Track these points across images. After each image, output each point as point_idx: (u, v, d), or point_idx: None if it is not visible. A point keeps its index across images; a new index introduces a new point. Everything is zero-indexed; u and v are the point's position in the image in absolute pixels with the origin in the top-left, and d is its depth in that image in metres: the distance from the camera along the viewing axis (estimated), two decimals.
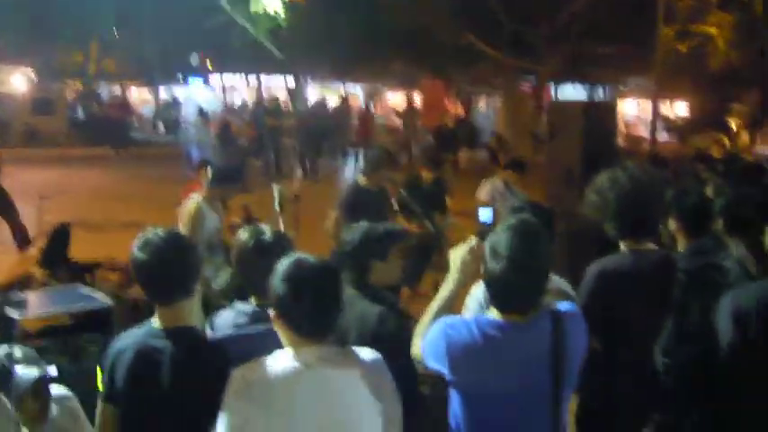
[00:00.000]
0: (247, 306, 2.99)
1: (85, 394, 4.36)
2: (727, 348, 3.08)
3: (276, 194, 5.27)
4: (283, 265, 2.45)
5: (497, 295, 2.57)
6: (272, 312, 2.45)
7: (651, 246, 3.41)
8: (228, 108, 19.45)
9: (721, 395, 3.19)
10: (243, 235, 3.10)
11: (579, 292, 3.35)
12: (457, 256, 2.82)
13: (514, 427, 2.58)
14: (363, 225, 3.41)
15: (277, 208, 5.27)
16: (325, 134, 21.17)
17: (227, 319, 3.02)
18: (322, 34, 21.41)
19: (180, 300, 2.72)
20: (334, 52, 24.57)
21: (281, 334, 2.47)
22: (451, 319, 2.65)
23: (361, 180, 6.45)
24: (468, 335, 2.54)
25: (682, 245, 3.84)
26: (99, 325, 4.67)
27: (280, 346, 2.50)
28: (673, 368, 3.67)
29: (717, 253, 3.77)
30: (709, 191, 4.75)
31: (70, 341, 4.52)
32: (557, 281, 3.41)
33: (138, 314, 5.97)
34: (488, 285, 2.59)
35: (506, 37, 20.09)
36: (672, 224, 3.85)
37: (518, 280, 2.50)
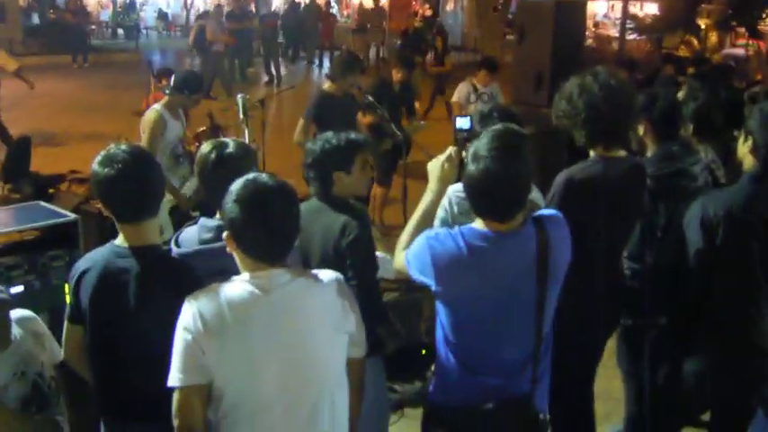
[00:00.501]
0: (212, 221, 2.92)
1: (53, 311, 4.37)
2: (695, 255, 3.11)
3: (240, 103, 5.14)
4: (236, 185, 2.34)
5: (477, 201, 2.55)
6: (225, 235, 2.37)
7: (621, 152, 3.38)
8: (202, 13, 18.70)
9: (687, 301, 3.23)
10: (204, 147, 3.00)
11: (549, 199, 3.33)
12: (435, 165, 2.79)
13: (499, 333, 2.61)
14: (325, 135, 3.31)
15: (241, 116, 5.15)
16: (293, 38, 20.71)
17: (193, 235, 2.96)
18: None
19: (145, 218, 2.65)
20: None
21: (236, 257, 2.39)
22: (436, 231, 2.63)
23: (328, 86, 6.31)
24: (454, 246, 2.52)
25: (651, 150, 3.81)
26: (64, 240, 4.58)
27: None
28: (640, 273, 3.70)
29: (685, 158, 3.75)
30: (681, 94, 4.70)
31: (36, 258, 4.44)
32: None
33: (104, 228, 5.91)
34: (468, 190, 2.55)
35: None
36: (641, 129, 3.81)
37: (497, 183, 2.47)
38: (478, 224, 2.58)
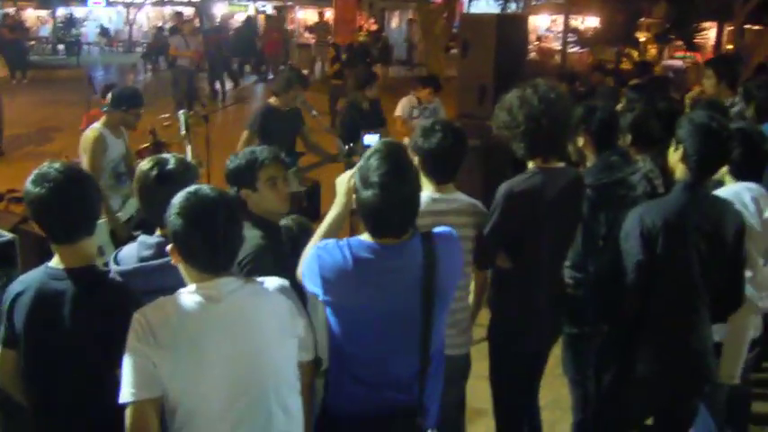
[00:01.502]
0: (151, 238, 2.88)
1: None
2: (636, 265, 3.16)
3: (182, 119, 5.07)
4: (178, 198, 2.35)
5: (370, 222, 2.56)
6: (169, 248, 2.38)
7: (559, 163, 3.43)
8: (172, 27, 18.33)
9: (628, 309, 3.28)
10: (144, 164, 2.96)
11: (490, 211, 3.35)
12: (342, 180, 2.80)
13: (385, 346, 2.61)
14: (237, 152, 3.33)
15: (183, 132, 5.08)
16: (234, 53, 20.60)
17: (132, 252, 2.91)
18: None
19: (80, 238, 2.58)
20: None
21: (182, 269, 2.41)
22: (325, 242, 2.63)
23: (273, 101, 6.30)
24: (340, 256, 2.54)
25: (590, 160, 3.87)
26: (1, 261, 4.46)
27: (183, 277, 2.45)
28: (583, 282, 3.75)
29: (624, 168, 3.82)
30: (620, 106, 4.79)
31: None
32: (469, 200, 3.42)
33: (43, 249, 5.77)
34: (362, 213, 2.57)
35: None
36: (580, 140, 3.88)
37: (389, 207, 2.50)
38: (366, 236, 2.60)
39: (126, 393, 2.26)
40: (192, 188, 2.38)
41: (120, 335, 2.31)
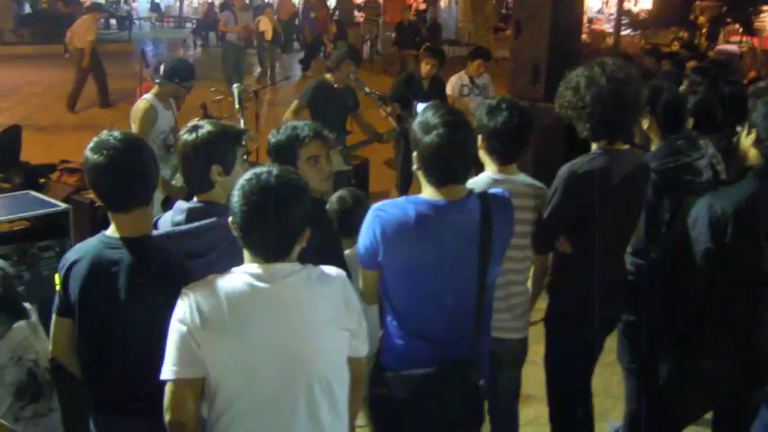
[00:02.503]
0: (185, 204, 2.84)
1: (43, 302, 4.28)
2: (704, 254, 3.05)
3: (236, 93, 5.05)
4: (243, 178, 2.29)
5: (433, 168, 2.64)
6: (230, 220, 2.31)
7: (624, 146, 3.32)
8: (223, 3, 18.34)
9: (692, 298, 3.18)
10: (182, 131, 2.92)
11: (551, 192, 3.26)
12: None
13: (441, 301, 2.69)
14: (282, 127, 3.16)
15: (237, 106, 5.06)
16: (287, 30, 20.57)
17: (168, 218, 2.89)
18: None
19: (137, 207, 2.55)
20: None
21: (244, 251, 2.35)
22: (382, 203, 2.70)
23: (328, 76, 6.25)
24: (401, 212, 2.62)
25: (655, 144, 3.75)
26: (54, 231, 4.50)
27: (213, 242, 2.54)
28: (643, 268, 3.64)
29: (690, 153, 3.69)
30: (682, 89, 4.64)
31: (25, 249, 4.36)
32: (532, 182, 3.33)
33: (96, 218, 5.83)
34: (424, 161, 2.65)
35: None
36: (645, 122, 3.75)
37: (452, 147, 2.59)
38: (426, 193, 2.69)
39: (167, 370, 2.23)
40: (259, 170, 2.30)
41: (168, 307, 2.30)
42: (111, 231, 2.57)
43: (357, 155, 6.95)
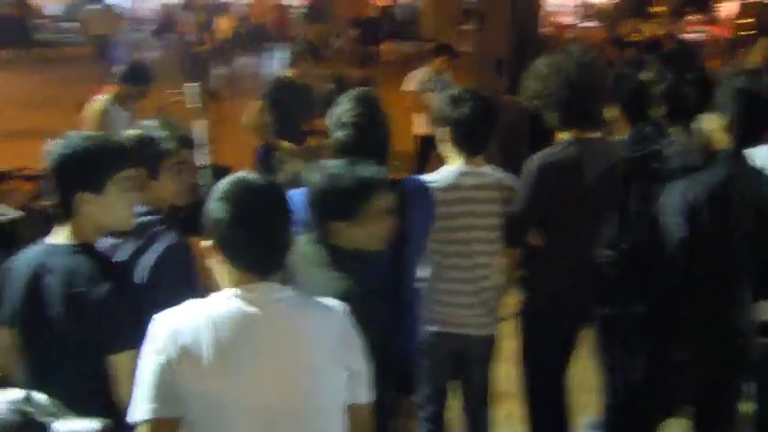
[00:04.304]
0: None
1: None
2: (678, 242, 2.97)
3: (193, 92, 4.93)
4: (222, 183, 2.04)
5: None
6: (206, 244, 2.04)
7: (596, 134, 3.24)
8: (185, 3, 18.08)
9: (666, 287, 3.10)
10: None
11: (521, 184, 3.17)
12: None
13: None
14: (330, 167, 2.52)
15: (199, 104, 4.93)
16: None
17: None
18: None
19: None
20: None
21: (221, 272, 2.07)
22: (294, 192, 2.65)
23: (288, 72, 6.14)
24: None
25: (622, 131, 3.67)
26: (4, 239, 4.33)
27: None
28: (614, 260, 3.56)
29: (658, 140, 3.61)
30: (644, 75, 4.57)
31: None
32: (500, 174, 3.25)
33: (49, 226, 5.64)
34: (334, 154, 2.66)
35: None
36: (610, 111, 3.67)
37: (361, 147, 2.60)
38: None
39: (141, 409, 1.94)
40: (238, 174, 2.06)
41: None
42: (56, 238, 2.43)
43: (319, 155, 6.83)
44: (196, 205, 2.21)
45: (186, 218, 2.70)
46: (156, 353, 1.96)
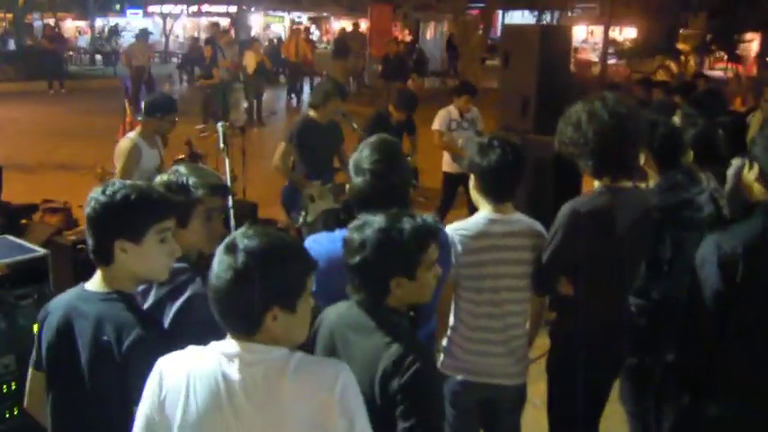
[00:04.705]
0: None
1: (22, 352, 4.10)
2: (714, 295, 2.91)
3: (220, 131, 4.93)
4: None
5: (359, 210, 2.61)
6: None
7: (627, 183, 3.20)
8: (208, 38, 18.40)
9: (701, 340, 3.03)
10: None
11: (553, 231, 3.13)
12: None
13: None
14: (379, 221, 2.36)
15: (221, 145, 4.94)
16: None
17: None
18: None
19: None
20: None
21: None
22: (317, 235, 2.81)
23: (312, 113, 6.13)
24: (331, 244, 2.61)
25: (653, 178, 3.63)
26: (33, 277, 4.32)
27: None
28: (645, 309, 3.51)
29: (690, 188, 3.57)
30: (676, 119, 4.54)
31: (2, 297, 4.17)
32: (529, 221, 3.21)
33: (77, 262, 5.66)
34: (352, 200, 2.69)
35: None
36: (641, 157, 3.63)
37: (379, 193, 2.62)
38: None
39: None
40: (245, 229, 1.98)
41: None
42: (92, 284, 2.42)
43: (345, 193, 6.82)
44: None
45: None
46: (145, 397, 2.01)
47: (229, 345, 1.96)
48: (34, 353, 2.52)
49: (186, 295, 2.55)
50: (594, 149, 3.06)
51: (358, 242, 2.33)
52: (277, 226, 6.40)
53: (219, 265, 1.91)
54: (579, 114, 3.10)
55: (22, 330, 4.13)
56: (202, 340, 2.10)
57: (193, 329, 2.38)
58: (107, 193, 2.32)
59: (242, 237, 1.92)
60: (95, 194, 2.34)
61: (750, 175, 3.05)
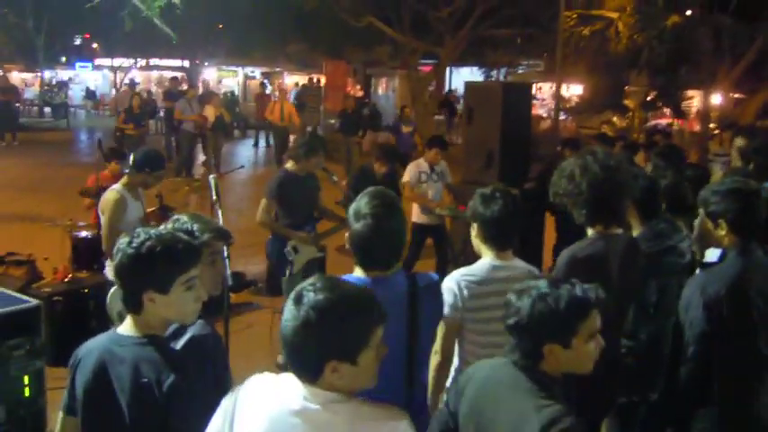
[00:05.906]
0: None
1: (13, 403, 4.08)
2: (699, 337, 3.12)
3: (212, 183, 5.01)
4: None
5: (360, 254, 2.73)
6: None
7: (618, 230, 3.42)
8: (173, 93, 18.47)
9: (688, 378, 3.22)
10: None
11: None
12: None
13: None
14: (537, 287, 2.42)
15: (214, 197, 5.02)
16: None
17: None
18: (217, 14, 20.85)
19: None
20: (231, 34, 23.92)
21: None
22: None
23: (290, 166, 6.25)
24: None
25: (636, 227, 3.85)
26: (25, 328, 4.32)
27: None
28: (633, 349, 3.69)
29: (672, 236, 3.82)
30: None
31: None
32: (527, 266, 3.39)
33: (54, 312, 5.62)
34: (353, 246, 2.74)
35: (407, 18, 20.14)
36: None
37: (379, 237, 2.68)
38: (357, 272, 2.75)
39: None
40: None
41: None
42: (124, 329, 2.50)
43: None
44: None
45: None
46: (214, 421, 2.14)
47: (297, 386, 2.05)
48: (66, 398, 2.56)
49: (188, 336, 2.62)
50: (588, 199, 3.28)
51: (516, 305, 2.38)
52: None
53: (287, 313, 2.03)
54: (573, 168, 3.33)
55: (14, 381, 4.13)
56: (201, 382, 2.34)
57: (192, 370, 2.49)
58: (133, 245, 2.39)
59: (309, 289, 2.03)
60: (122, 245, 2.41)
61: (719, 230, 3.29)
